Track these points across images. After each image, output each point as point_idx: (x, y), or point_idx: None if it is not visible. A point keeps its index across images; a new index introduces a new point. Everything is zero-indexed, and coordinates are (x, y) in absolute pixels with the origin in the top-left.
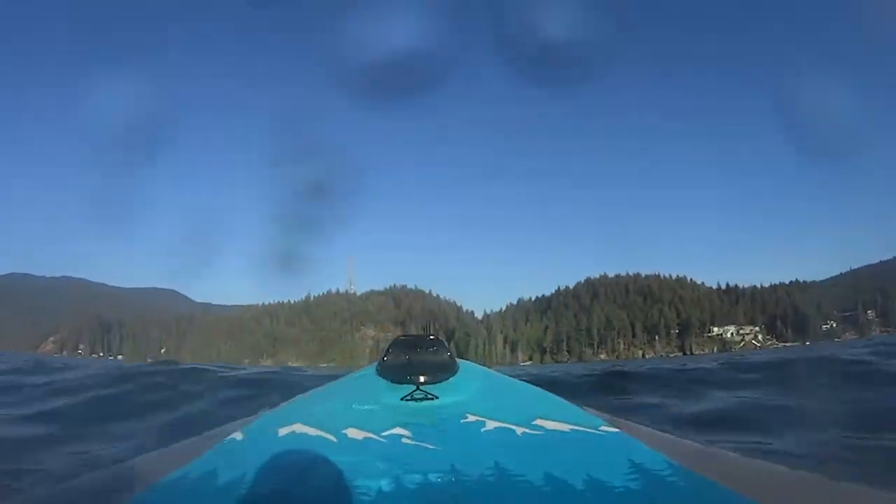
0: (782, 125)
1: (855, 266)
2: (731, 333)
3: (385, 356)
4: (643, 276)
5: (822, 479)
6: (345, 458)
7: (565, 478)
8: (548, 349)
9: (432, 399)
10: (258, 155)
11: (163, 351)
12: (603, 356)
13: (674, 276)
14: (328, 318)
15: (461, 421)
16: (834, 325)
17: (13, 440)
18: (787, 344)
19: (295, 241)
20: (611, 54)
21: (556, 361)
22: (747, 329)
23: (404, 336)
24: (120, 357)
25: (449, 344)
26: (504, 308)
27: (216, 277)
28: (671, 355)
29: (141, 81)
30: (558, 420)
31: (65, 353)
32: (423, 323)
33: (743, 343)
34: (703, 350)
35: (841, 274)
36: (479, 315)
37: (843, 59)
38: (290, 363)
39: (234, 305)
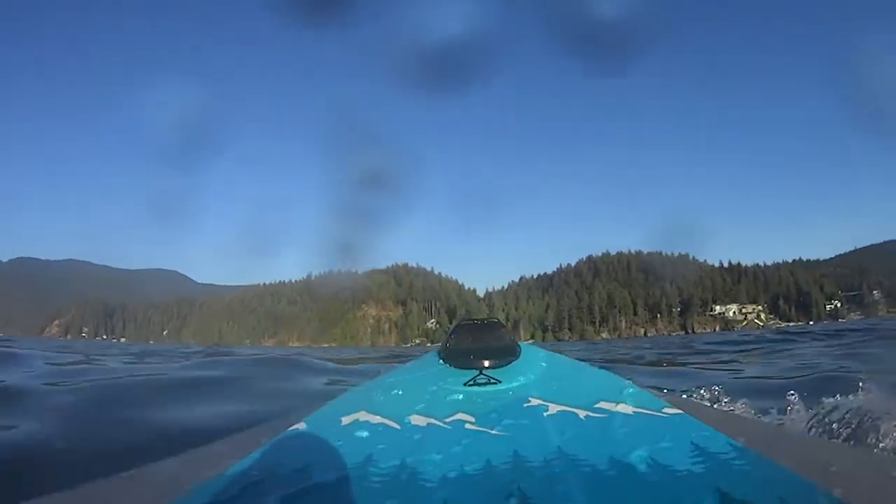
0: (800, 99)
1: (860, 245)
2: (734, 312)
3: (448, 341)
4: (645, 253)
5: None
6: (408, 445)
7: (628, 461)
8: (550, 327)
9: (495, 383)
10: (259, 137)
11: (164, 333)
12: (605, 335)
13: (676, 254)
14: (330, 297)
15: (524, 405)
16: (838, 305)
17: None
18: (791, 324)
19: (297, 220)
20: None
21: (558, 339)
22: (750, 308)
23: (467, 321)
24: (123, 339)
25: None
26: (506, 286)
27: (218, 258)
28: (673, 334)
29: (155, 70)
30: (621, 402)
31: (69, 336)
32: (424, 302)
33: (745, 322)
34: (704, 329)
35: (846, 253)
36: (480, 293)
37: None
38: (291, 343)
39: (237, 286)
